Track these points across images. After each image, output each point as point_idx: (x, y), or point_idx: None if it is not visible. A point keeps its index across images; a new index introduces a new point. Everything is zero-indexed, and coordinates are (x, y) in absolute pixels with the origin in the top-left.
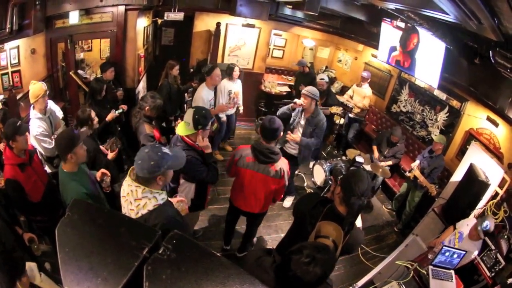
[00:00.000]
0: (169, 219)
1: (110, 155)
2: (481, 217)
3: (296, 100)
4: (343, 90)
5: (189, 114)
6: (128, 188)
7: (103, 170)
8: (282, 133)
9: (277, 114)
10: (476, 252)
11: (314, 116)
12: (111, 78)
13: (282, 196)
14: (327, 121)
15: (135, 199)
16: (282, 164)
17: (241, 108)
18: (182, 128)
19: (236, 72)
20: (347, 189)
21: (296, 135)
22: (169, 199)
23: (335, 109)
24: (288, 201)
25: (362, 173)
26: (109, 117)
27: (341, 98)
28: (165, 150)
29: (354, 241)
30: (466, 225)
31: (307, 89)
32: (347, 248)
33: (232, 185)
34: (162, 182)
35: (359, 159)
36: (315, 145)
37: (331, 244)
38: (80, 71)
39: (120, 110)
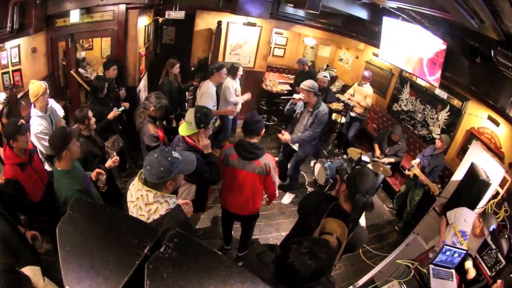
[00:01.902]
0: (182, 223)
1: (108, 163)
2: (484, 217)
3: (295, 95)
4: (344, 89)
5: (190, 114)
6: (138, 193)
7: (98, 169)
8: (264, 130)
9: (284, 112)
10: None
11: (315, 108)
12: (114, 76)
13: (277, 195)
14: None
15: (146, 204)
16: (267, 159)
17: (238, 107)
18: (184, 128)
19: (240, 72)
20: (352, 187)
21: (286, 134)
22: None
23: (335, 105)
24: (288, 198)
25: (367, 171)
26: (111, 115)
27: (341, 97)
28: (175, 154)
29: (358, 239)
30: (463, 221)
31: (304, 83)
32: (350, 246)
33: (220, 187)
34: (172, 187)
35: (365, 158)
36: (310, 137)
37: (335, 241)
38: (81, 70)
39: (122, 108)
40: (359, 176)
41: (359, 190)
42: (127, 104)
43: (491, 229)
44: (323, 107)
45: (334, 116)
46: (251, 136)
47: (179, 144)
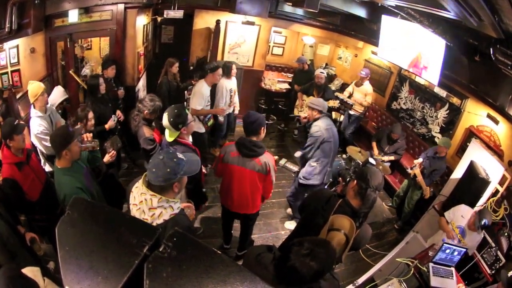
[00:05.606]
0: (186, 229)
1: (106, 158)
2: (479, 212)
3: (300, 114)
4: (343, 87)
5: (165, 120)
6: (142, 197)
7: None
8: (264, 128)
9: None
10: (481, 237)
11: (311, 124)
12: (112, 76)
13: (271, 194)
14: None
15: (150, 209)
16: (267, 158)
17: (237, 109)
18: (169, 135)
19: (234, 70)
20: (364, 181)
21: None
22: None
23: (332, 103)
24: (291, 224)
25: (376, 169)
26: (107, 126)
27: (340, 95)
28: (180, 155)
29: (363, 236)
30: (461, 217)
31: (311, 101)
32: (356, 243)
33: (220, 185)
34: (178, 189)
35: (372, 160)
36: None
37: (343, 237)
38: (80, 70)
39: (117, 118)
40: (370, 172)
41: (370, 185)
42: (121, 116)
43: (482, 222)
44: (315, 124)
45: (334, 115)
46: (251, 136)
47: (174, 146)
